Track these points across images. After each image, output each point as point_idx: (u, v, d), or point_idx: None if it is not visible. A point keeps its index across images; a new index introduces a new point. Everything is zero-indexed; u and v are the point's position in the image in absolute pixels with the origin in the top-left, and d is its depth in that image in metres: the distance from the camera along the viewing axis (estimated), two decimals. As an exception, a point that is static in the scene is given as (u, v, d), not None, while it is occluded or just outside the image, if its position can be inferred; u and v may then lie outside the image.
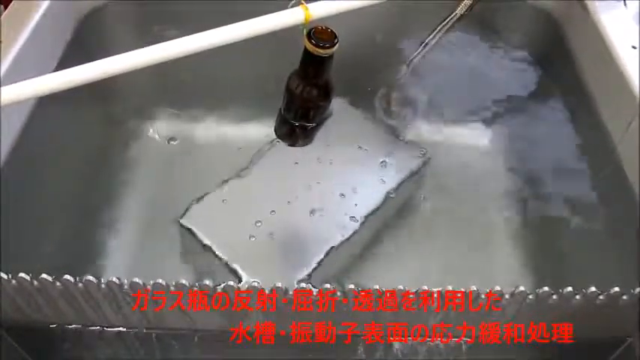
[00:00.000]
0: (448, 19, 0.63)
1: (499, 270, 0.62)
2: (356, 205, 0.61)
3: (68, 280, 0.42)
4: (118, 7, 0.70)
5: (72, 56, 0.63)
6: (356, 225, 0.59)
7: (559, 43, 0.68)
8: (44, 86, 0.41)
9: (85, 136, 0.69)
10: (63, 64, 0.61)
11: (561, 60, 0.68)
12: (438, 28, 0.63)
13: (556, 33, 0.69)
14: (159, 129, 0.73)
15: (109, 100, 0.74)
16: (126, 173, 0.69)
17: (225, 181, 0.63)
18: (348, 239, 0.59)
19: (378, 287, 0.41)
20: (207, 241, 0.58)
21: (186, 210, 0.60)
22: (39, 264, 0.55)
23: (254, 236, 0.58)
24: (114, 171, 0.69)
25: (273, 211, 0.60)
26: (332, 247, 0.58)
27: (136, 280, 0.42)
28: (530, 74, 0.71)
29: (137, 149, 0.71)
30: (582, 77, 0.64)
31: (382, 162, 0.65)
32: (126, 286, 0.42)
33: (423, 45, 0.64)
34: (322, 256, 0.57)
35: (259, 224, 0.59)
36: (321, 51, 0.41)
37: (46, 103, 0.60)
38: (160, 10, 0.71)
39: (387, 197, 0.62)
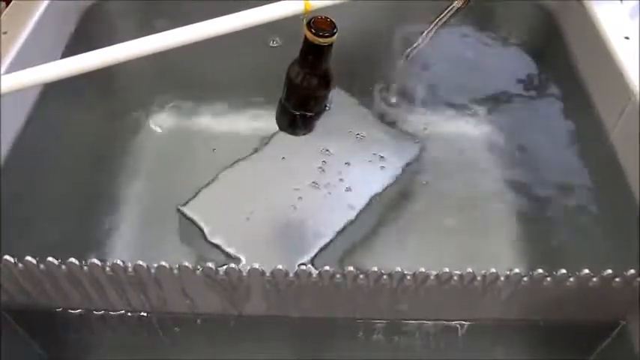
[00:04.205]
0: (446, 12, 0.64)
1: (495, 256, 0.62)
2: (356, 192, 0.61)
3: (73, 263, 0.43)
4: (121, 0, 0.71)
5: (75, 49, 0.63)
6: (355, 212, 0.60)
7: (554, 36, 0.69)
8: (44, 74, 0.41)
9: (87, 128, 0.70)
10: (66, 56, 0.62)
11: (556, 51, 0.69)
12: (436, 20, 0.64)
13: (551, 25, 0.70)
14: (160, 120, 0.73)
15: (110, 93, 0.74)
16: (127, 164, 0.69)
17: (226, 171, 0.63)
18: (347, 227, 0.59)
19: (376, 269, 0.42)
20: (208, 230, 0.58)
21: (188, 199, 0.61)
22: (42, 253, 0.56)
23: (254, 224, 0.59)
24: (116, 162, 0.69)
25: (273, 199, 0.61)
26: (332, 235, 0.58)
27: (140, 262, 0.43)
28: (525, 66, 0.72)
29: (138, 140, 0.71)
30: (576, 68, 0.65)
31: (381, 151, 0.66)
32: (130, 269, 0.43)
33: (421, 37, 0.65)
34: (322, 244, 0.57)
35: (259, 212, 0.60)
36: (320, 40, 0.42)
37: (48, 95, 0.62)
38: (161, 4, 0.71)
39: (385, 185, 0.63)
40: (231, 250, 0.57)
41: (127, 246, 0.63)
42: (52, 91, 0.61)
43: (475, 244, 0.62)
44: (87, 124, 0.70)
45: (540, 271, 0.43)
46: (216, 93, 0.74)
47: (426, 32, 0.65)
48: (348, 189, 0.62)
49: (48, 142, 0.63)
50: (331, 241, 0.58)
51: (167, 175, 0.69)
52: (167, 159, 0.70)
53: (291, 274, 0.42)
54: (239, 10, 0.43)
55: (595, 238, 0.59)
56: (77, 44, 0.65)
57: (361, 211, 0.60)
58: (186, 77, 0.74)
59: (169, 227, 0.62)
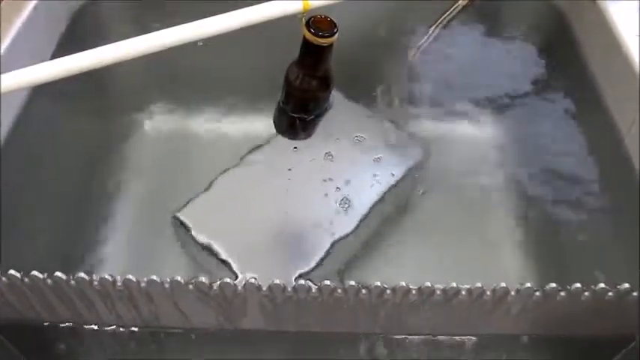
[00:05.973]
0: (451, 10, 0.63)
1: (503, 267, 0.60)
2: (356, 199, 0.59)
3: (60, 277, 0.41)
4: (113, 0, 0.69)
5: (65, 50, 0.61)
6: (355, 220, 0.58)
7: (564, 34, 0.67)
8: (37, 75, 0.40)
9: (80, 131, 0.68)
10: (56, 57, 0.60)
11: (566, 50, 0.67)
12: (441, 19, 0.63)
13: (561, 23, 0.68)
14: (155, 123, 0.72)
15: (104, 95, 0.73)
16: (122, 168, 0.68)
17: (222, 176, 0.61)
18: (347, 235, 0.57)
19: (379, 284, 0.40)
20: (203, 237, 0.56)
21: (183, 205, 0.59)
22: (33, 259, 0.55)
23: (251, 232, 0.57)
24: (110, 165, 0.68)
25: (270, 206, 0.59)
26: (331, 244, 0.56)
27: (130, 277, 0.41)
28: (534, 65, 0.70)
29: (133, 144, 0.70)
30: (588, 68, 0.63)
31: (383, 156, 0.63)
32: (119, 284, 0.41)
33: (425, 36, 0.63)
34: (321, 253, 0.55)
35: (256, 219, 0.58)
36: (320, 40, 0.40)
37: (39, 97, 0.60)
38: (155, 4, 0.70)
39: (388, 192, 0.60)
40: (226, 258, 0.55)
41: (121, 253, 0.62)
42: (41, 92, 0.59)
43: (481, 255, 0.60)
44: (78, 128, 0.69)
45: (554, 285, 0.40)
46: (212, 95, 0.73)
47: (430, 31, 0.63)
48: (349, 195, 0.60)
49: (37, 145, 0.61)
50: (330, 250, 0.56)
51: (162, 179, 0.67)
52: (162, 163, 0.69)
53: (289, 289, 0.40)
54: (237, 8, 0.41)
55: (608, 245, 0.57)
56: (68, 45, 0.63)
57: (362, 219, 0.58)
58: (182, 78, 0.72)
59: (164, 234, 0.60)
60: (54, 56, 0.61)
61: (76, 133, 0.68)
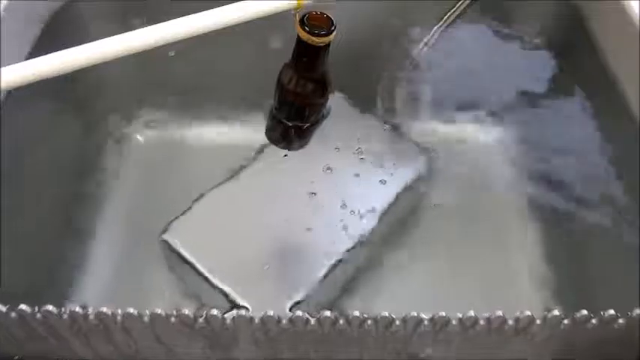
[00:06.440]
0: (457, 6, 0.60)
1: (516, 282, 0.57)
2: (357, 215, 0.56)
3: (24, 310, 0.37)
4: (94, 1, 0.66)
5: (41, 54, 0.58)
6: (358, 238, 0.54)
7: (580, 32, 0.63)
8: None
9: (60, 141, 0.65)
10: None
11: (582, 47, 0.63)
12: (446, 16, 0.59)
13: (577, 20, 0.64)
14: (141, 132, 0.68)
15: (87, 102, 0.69)
16: (104, 181, 0.65)
17: (211, 191, 0.58)
18: (349, 255, 0.54)
19: (387, 314, 0.36)
20: (192, 259, 0.53)
21: (169, 224, 0.55)
22: (14, 280, 0.50)
23: (244, 253, 0.53)
24: (92, 179, 0.65)
25: (264, 224, 0.55)
26: (331, 264, 0.52)
27: (104, 309, 0.36)
28: (548, 64, 0.67)
29: (117, 155, 0.67)
30: (607, 65, 0.59)
31: (386, 165, 0.59)
32: (92, 317, 0.37)
33: (429, 34, 0.60)
34: (321, 275, 0.52)
35: (249, 238, 0.54)
36: (316, 39, 0.38)
37: (13, 101, 0.55)
38: (139, 5, 0.66)
39: (391, 205, 0.57)
40: (217, 282, 0.51)
41: (106, 272, 0.59)
42: (16, 97, 0.55)
43: (494, 273, 0.57)
44: (59, 136, 0.65)
45: (585, 312, 0.36)
46: (201, 102, 0.69)
47: (434, 29, 0.61)
48: (350, 211, 0.56)
49: (12, 156, 0.57)
50: (330, 271, 0.52)
51: (148, 194, 0.64)
52: (148, 175, 0.65)
53: (284, 322, 0.36)
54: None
55: (630, 260, 0.53)
56: (43, 49, 0.59)
57: (363, 237, 0.55)
58: (169, 85, 0.69)
59: (150, 252, 0.56)
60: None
61: (55, 144, 0.64)
